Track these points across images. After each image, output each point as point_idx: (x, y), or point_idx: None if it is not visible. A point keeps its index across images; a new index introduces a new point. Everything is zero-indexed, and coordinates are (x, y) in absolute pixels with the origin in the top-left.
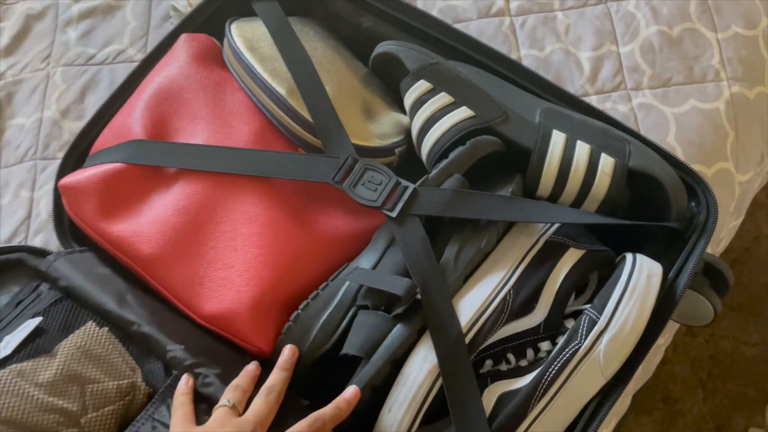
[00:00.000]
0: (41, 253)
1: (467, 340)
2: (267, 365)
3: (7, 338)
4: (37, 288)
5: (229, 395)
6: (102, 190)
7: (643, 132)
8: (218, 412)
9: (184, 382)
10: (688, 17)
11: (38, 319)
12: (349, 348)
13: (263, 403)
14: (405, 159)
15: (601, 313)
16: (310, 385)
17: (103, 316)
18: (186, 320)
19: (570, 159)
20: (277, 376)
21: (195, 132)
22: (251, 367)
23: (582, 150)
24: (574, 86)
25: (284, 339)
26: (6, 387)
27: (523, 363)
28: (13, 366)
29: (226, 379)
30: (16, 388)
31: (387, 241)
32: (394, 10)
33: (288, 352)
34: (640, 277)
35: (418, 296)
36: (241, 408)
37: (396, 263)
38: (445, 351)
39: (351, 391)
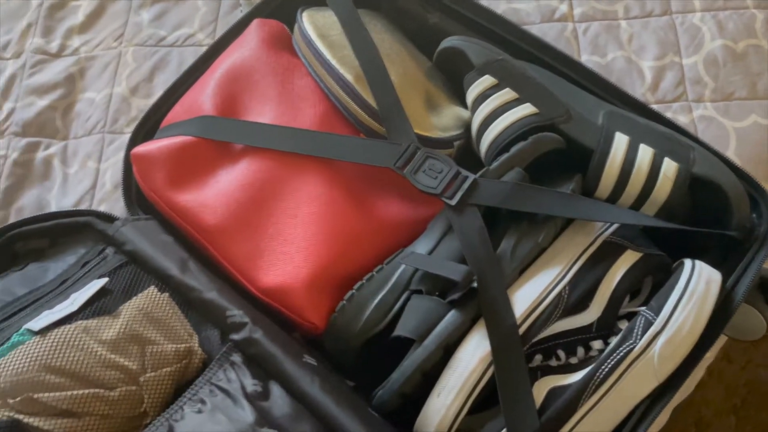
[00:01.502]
0: (108, 218)
1: (521, 331)
2: (317, 345)
3: (74, 295)
4: (103, 251)
5: None
6: (172, 161)
7: None
8: None
9: None
10: (753, 33)
11: (104, 280)
12: (402, 330)
13: None
14: (462, 154)
15: (657, 314)
16: (358, 368)
17: (165, 282)
18: (240, 294)
19: (632, 161)
20: None
21: (263, 112)
22: None
23: (645, 153)
24: (635, 95)
25: (337, 317)
26: (72, 341)
27: (573, 360)
28: (79, 322)
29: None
30: (81, 342)
31: (444, 228)
32: (461, 7)
33: None
34: (699, 282)
35: (474, 284)
36: None
37: (452, 251)
38: (498, 340)
39: None
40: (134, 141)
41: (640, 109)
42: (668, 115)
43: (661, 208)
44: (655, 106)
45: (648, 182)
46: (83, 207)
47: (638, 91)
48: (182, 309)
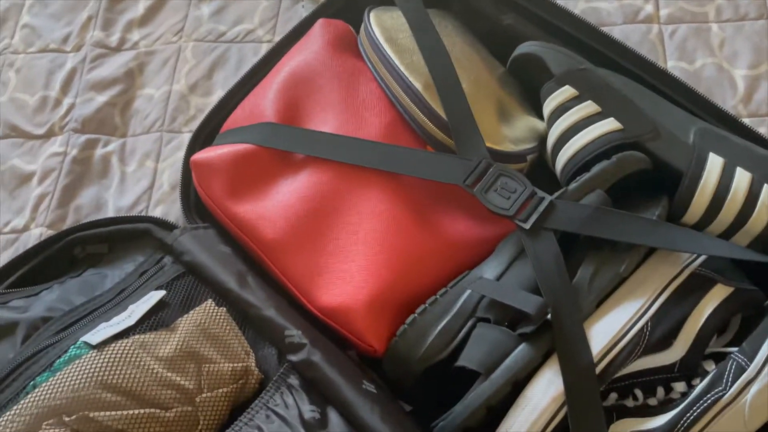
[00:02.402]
0: (167, 225)
1: (598, 370)
2: (376, 365)
3: (131, 307)
4: (160, 260)
5: None
6: (232, 170)
7: None
8: None
9: None
10: None
11: (162, 293)
12: (467, 361)
13: None
14: (533, 167)
15: (751, 360)
16: (417, 392)
17: (223, 296)
18: (298, 311)
19: (727, 187)
20: None
21: (326, 119)
22: None
23: (742, 178)
24: (725, 106)
25: (398, 342)
26: (128, 357)
27: (652, 402)
28: (136, 336)
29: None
30: (138, 359)
31: (514, 252)
32: (538, 7)
33: None
34: None
35: (548, 317)
36: None
37: (523, 278)
38: (573, 379)
39: None
40: (194, 146)
41: (735, 126)
42: (762, 129)
43: (756, 239)
44: (747, 120)
45: (743, 210)
46: (140, 207)
47: (729, 102)
48: (239, 324)
